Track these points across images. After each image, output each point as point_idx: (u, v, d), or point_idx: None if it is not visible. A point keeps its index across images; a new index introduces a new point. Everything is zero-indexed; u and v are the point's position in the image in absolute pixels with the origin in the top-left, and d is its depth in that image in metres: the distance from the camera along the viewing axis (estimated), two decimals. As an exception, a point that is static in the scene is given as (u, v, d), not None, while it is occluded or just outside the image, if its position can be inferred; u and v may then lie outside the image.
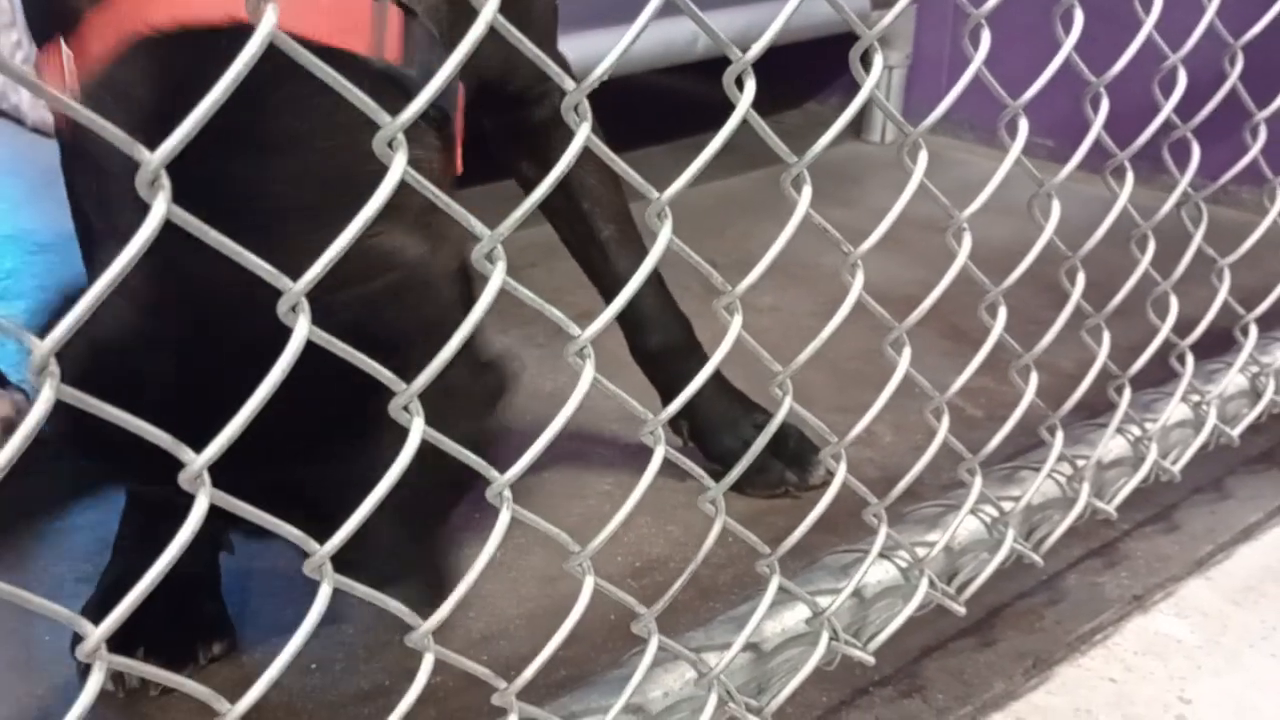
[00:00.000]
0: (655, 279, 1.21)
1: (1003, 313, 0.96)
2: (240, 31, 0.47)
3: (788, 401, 0.81)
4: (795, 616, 0.92)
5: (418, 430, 0.59)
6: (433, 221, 0.86)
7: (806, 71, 2.49)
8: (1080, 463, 1.09)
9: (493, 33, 0.55)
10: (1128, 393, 1.13)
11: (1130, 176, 1.03)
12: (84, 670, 0.99)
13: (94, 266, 0.92)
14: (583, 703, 0.83)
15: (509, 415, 0.91)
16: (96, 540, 1.17)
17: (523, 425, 1.37)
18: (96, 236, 0.89)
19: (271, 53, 0.47)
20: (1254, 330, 1.27)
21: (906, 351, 0.89)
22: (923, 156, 0.83)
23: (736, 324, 0.75)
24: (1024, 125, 0.90)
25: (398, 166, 0.54)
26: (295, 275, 0.51)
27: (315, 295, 0.52)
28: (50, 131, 2.44)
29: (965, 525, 1.02)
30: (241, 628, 1.05)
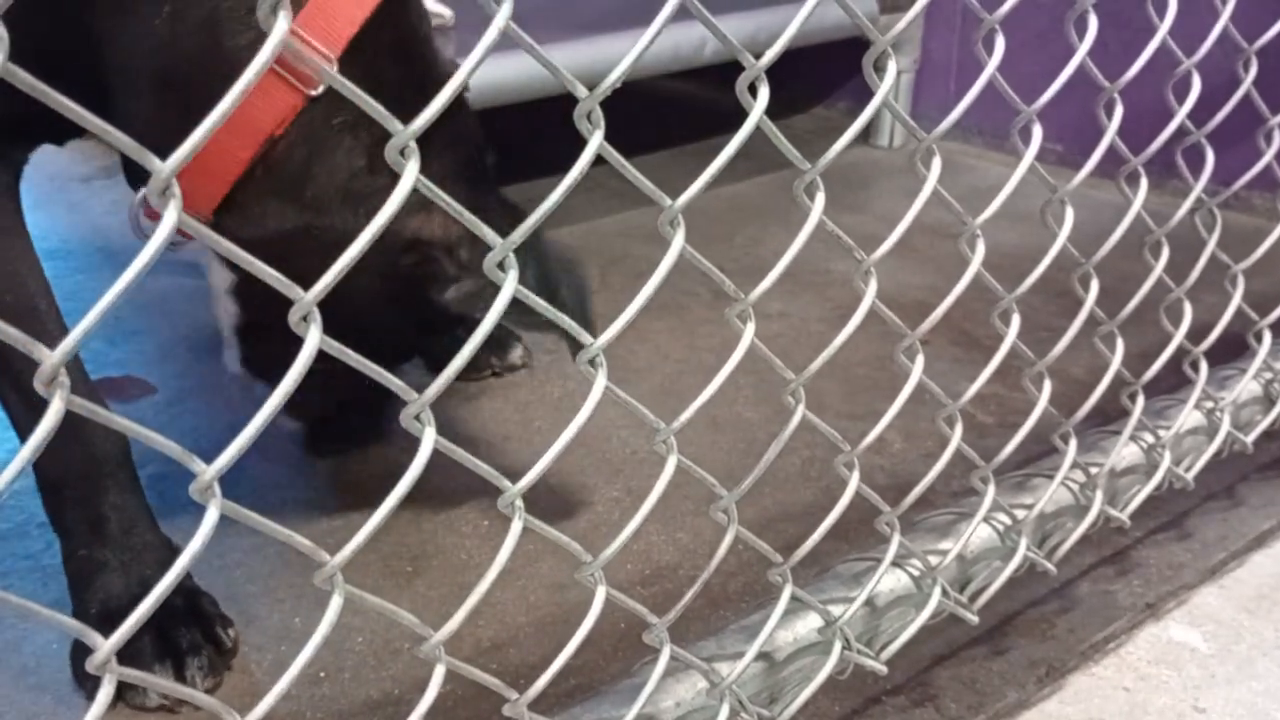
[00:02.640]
0: None
1: (1016, 320, 0.96)
2: None
3: (800, 410, 0.81)
4: (807, 625, 0.92)
5: (429, 439, 0.59)
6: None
7: (814, 76, 2.49)
8: (1093, 470, 1.09)
9: None
10: (1141, 399, 1.12)
11: (1144, 182, 1.02)
12: (82, 677, 0.99)
13: None
14: (594, 712, 0.83)
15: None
16: (104, 548, 1.16)
17: (533, 432, 1.38)
18: None
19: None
20: (1268, 336, 1.27)
21: (919, 359, 0.88)
22: (936, 162, 0.83)
23: (749, 332, 0.74)
24: (1038, 131, 0.90)
25: (409, 174, 0.54)
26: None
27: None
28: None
29: (978, 533, 1.01)
30: (248, 636, 1.04)
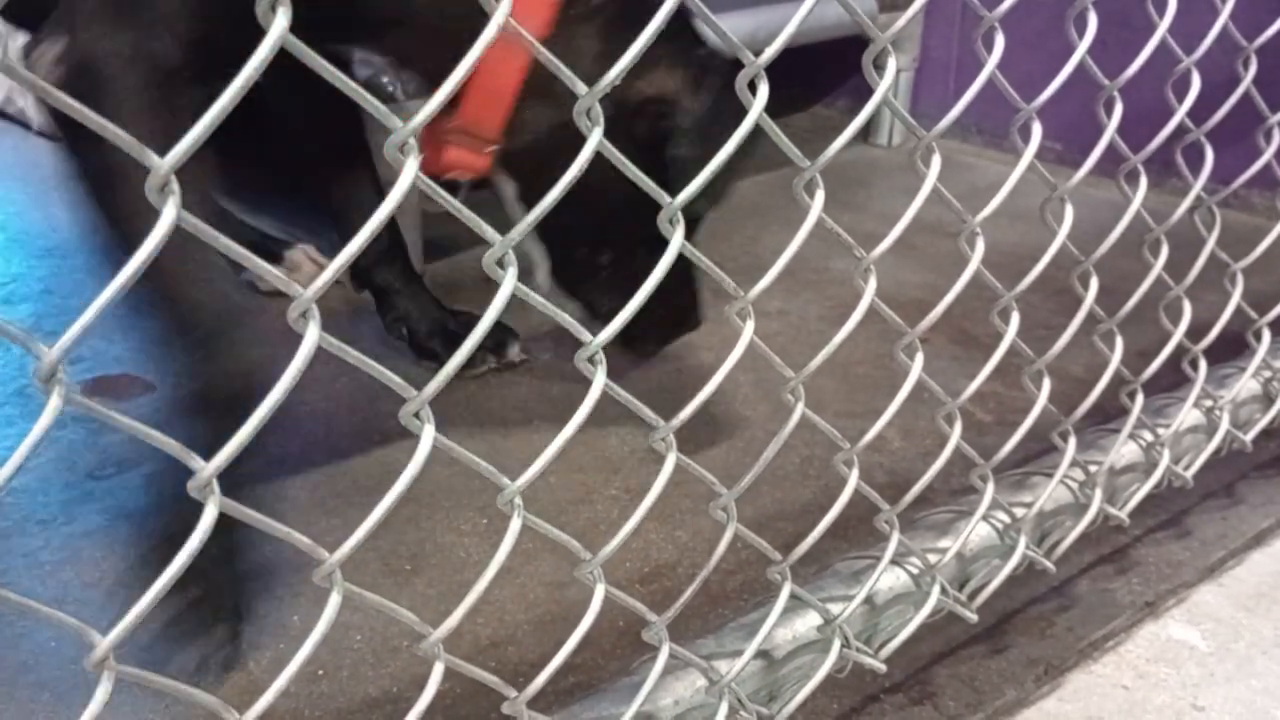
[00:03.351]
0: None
1: (1015, 318, 0.95)
2: None
3: (800, 407, 0.81)
4: (806, 623, 0.92)
5: (427, 438, 0.59)
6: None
7: (813, 74, 2.49)
8: (1093, 468, 1.09)
9: None
10: (1140, 398, 1.12)
11: (1144, 180, 1.02)
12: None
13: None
14: (593, 710, 0.83)
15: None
16: (105, 546, 1.16)
17: (532, 430, 1.38)
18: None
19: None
20: (1267, 335, 1.27)
21: (919, 357, 0.88)
22: (935, 160, 0.83)
23: (749, 330, 0.74)
24: (1037, 129, 0.90)
25: (409, 171, 0.54)
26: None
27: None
28: (55, 135, 2.45)
29: (977, 531, 1.01)
30: (247, 634, 1.04)
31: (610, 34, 1.10)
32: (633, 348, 1.31)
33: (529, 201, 1.21)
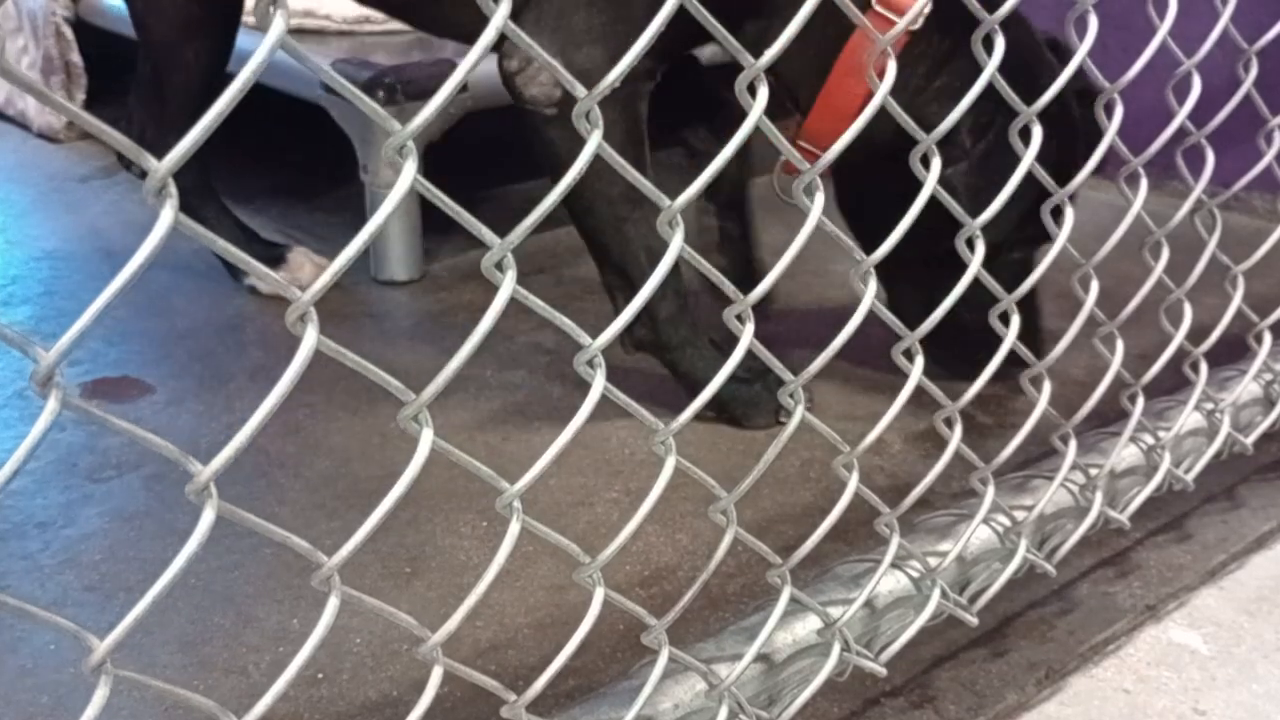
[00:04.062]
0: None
1: (1015, 320, 0.95)
2: None
3: (800, 410, 0.80)
4: (806, 627, 0.91)
5: (426, 441, 0.59)
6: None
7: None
8: (1093, 471, 1.08)
9: None
10: (1140, 401, 1.12)
11: (1144, 183, 1.02)
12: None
13: None
14: (593, 714, 0.82)
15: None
16: (105, 549, 1.16)
17: (532, 433, 1.38)
18: None
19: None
20: (1268, 337, 1.27)
21: (919, 360, 0.88)
22: (935, 164, 0.83)
23: (748, 333, 0.74)
24: (1038, 132, 0.90)
25: (407, 173, 0.53)
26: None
27: None
28: (55, 137, 2.45)
29: (977, 535, 1.01)
30: (246, 637, 1.04)
31: (938, 74, 1.22)
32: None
33: (841, 208, 1.34)
